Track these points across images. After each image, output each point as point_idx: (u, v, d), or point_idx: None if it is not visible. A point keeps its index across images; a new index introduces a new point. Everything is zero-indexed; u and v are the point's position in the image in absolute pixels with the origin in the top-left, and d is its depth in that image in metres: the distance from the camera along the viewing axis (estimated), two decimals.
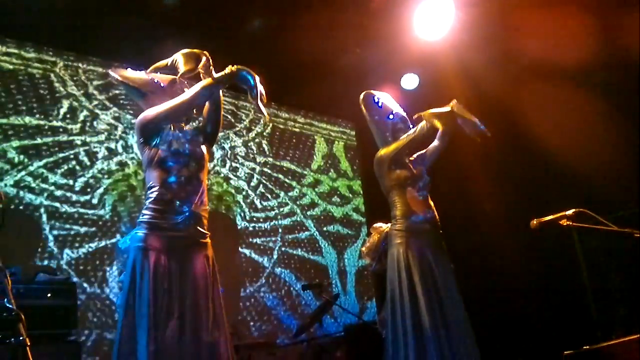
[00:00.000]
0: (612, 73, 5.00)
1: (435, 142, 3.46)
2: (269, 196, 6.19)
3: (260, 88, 2.46)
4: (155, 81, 2.56)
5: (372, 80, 5.25)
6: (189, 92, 2.45)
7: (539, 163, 5.52)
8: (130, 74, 2.60)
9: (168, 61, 2.51)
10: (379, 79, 5.24)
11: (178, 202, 2.35)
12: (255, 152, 6.23)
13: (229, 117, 6.13)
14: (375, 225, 3.54)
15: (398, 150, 3.30)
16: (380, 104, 3.46)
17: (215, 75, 2.45)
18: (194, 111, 2.60)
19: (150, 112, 2.44)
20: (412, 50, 5.41)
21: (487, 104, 5.61)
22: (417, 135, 3.29)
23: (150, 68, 2.50)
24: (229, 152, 6.00)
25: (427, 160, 3.46)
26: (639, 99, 4.81)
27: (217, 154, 5.87)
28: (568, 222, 2.60)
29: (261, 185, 6.17)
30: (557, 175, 5.31)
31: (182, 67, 2.46)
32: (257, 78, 2.47)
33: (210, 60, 2.47)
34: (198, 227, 2.39)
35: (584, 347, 2.82)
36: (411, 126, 3.44)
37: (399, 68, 5.92)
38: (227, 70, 2.45)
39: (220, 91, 2.59)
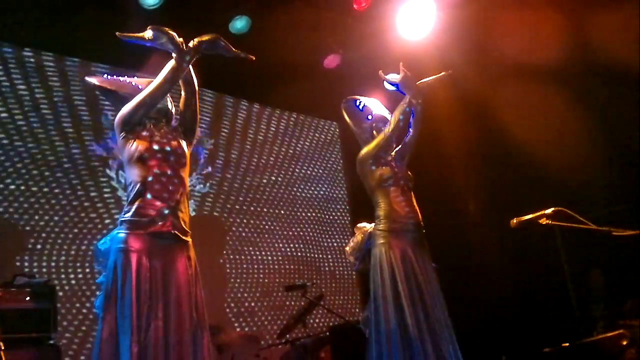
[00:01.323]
0: (589, 74, 5.09)
1: (410, 131, 3.45)
2: (253, 197, 6.17)
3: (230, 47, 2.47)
4: (134, 84, 2.55)
5: (355, 80, 5.28)
6: (159, 75, 2.43)
7: (519, 162, 5.57)
8: (108, 79, 2.59)
9: (139, 34, 2.44)
10: (361, 78, 5.20)
11: (159, 201, 2.34)
12: (238, 152, 6.20)
13: (212, 116, 6.10)
14: (359, 225, 3.54)
15: (379, 146, 3.30)
16: (361, 107, 3.47)
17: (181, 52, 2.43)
18: (173, 108, 2.60)
19: (127, 106, 2.44)
20: (395, 50, 5.39)
21: (468, 103, 5.71)
22: (395, 125, 3.28)
23: (124, 34, 2.42)
24: (213, 152, 5.96)
25: (407, 152, 3.48)
26: (616, 99, 4.91)
27: (201, 154, 5.85)
28: (547, 221, 2.64)
29: (245, 186, 6.15)
30: (537, 174, 5.38)
31: (151, 30, 2.41)
32: (222, 39, 2.46)
33: (183, 44, 2.44)
34: (180, 227, 2.37)
35: (563, 344, 2.85)
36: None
37: (381, 68, 5.91)
38: (190, 44, 2.43)
39: (195, 79, 2.59)
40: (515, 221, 2.77)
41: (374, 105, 3.53)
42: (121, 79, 2.59)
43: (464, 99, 5.61)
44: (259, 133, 6.47)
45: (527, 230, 2.91)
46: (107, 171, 5.13)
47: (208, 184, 5.81)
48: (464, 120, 5.78)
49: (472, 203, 6.14)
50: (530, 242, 5.09)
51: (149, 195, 2.34)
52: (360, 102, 3.48)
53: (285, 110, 6.74)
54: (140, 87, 2.52)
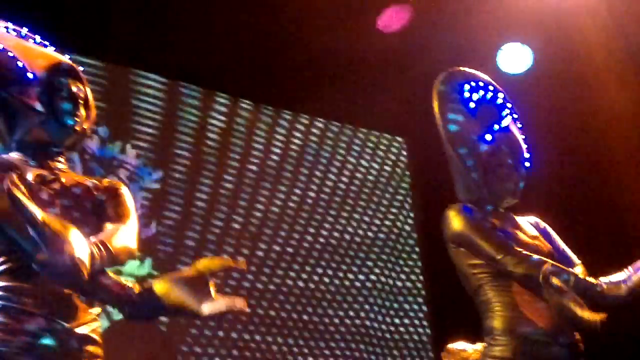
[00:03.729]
0: None
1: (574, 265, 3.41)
2: (246, 277, 6.25)
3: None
4: (21, 66, 2.55)
5: (437, 60, 5.24)
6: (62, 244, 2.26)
7: None
8: None
9: None
10: (453, 56, 5.25)
11: (41, 308, 2.42)
12: (232, 189, 6.41)
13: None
14: (450, 346, 3.69)
15: (484, 256, 3.23)
16: (471, 103, 3.46)
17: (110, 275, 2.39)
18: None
19: None
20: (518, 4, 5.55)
21: None
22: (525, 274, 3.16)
23: None
24: (172, 180, 6.14)
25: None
26: None
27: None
28: None
29: (225, 251, 6.24)
30: None
31: None
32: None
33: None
34: (82, 356, 2.46)
35: None
36: (527, 160, 3.45)
37: (493, 35, 6.12)
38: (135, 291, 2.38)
39: None
40: None
41: (499, 101, 3.47)
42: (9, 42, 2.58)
43: None
44: (288, 154, 6.68)
45: None
46: None
47: (153, 224, 5.92)
48: None
49: None
50: None
51: (20, 299, 2.42)
52: (471, 92, 3.41)
53: (313, 116, 6.97)
54: (31, 75, 2.53)
